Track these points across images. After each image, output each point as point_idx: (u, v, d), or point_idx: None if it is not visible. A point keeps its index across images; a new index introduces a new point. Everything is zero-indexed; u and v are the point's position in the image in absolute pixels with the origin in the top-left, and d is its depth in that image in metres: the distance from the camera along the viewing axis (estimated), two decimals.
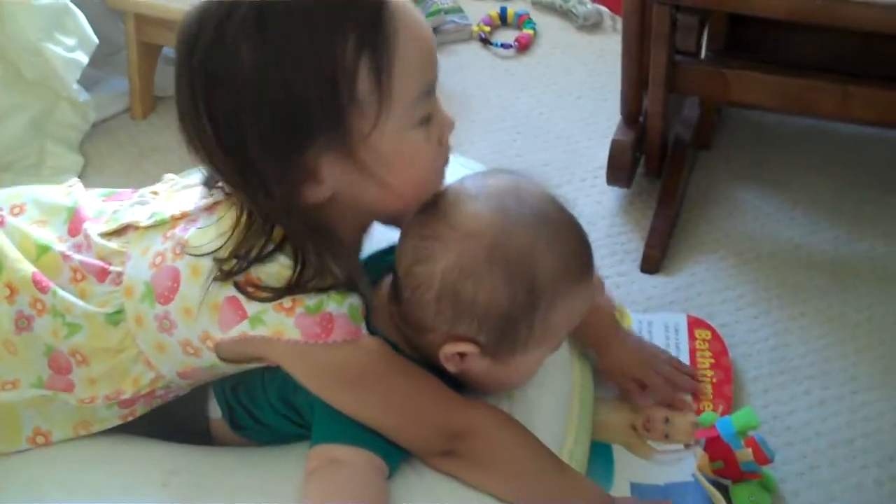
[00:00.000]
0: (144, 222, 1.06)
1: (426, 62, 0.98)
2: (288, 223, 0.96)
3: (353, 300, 1.00)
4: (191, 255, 0.99)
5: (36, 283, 1.05)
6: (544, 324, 1.04)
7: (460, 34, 2.32)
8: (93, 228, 1.08)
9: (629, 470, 1.26)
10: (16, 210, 1.12)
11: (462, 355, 1.04)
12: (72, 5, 1.82)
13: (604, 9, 2.35)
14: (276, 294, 0.96)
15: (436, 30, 2.30)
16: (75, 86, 1.87)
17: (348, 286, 0.99)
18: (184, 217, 1.04)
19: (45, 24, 1.77)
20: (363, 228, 1.10)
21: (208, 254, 0.98)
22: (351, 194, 0.99)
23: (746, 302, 1.57)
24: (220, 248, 0.98)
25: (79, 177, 1.89)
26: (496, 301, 1.01)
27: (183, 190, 1.10)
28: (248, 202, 0.98)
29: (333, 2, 0.91)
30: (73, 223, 1.10)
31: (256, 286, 0.97)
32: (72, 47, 1.81)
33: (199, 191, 1.06)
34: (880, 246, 1.67)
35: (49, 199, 1.14)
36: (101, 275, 1.05)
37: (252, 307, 0.97)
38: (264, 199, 0.95)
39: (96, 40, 1.87)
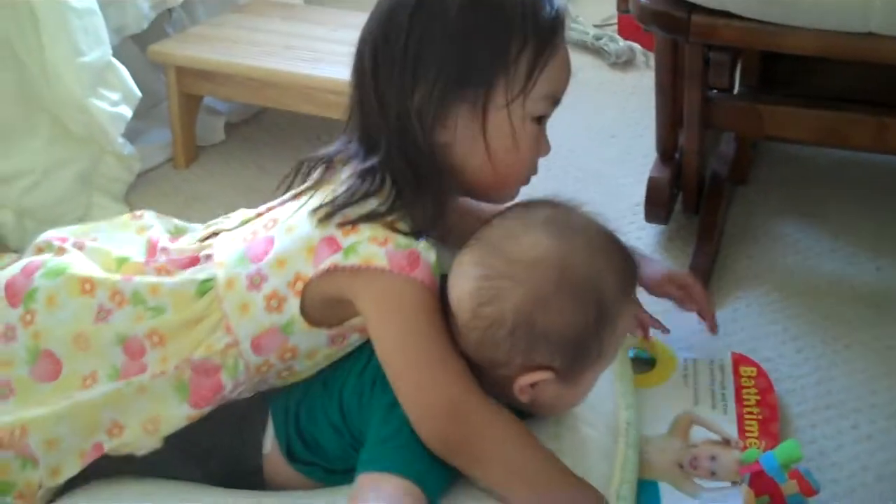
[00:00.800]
0: (230, 225, 1.18)
1: (563, 80, 1.18)
2: (413, 144, 1.10)
3: (435, 254, 1.09)
4: (282, 227, 1.12)
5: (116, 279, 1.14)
6: (611, 338, 1.09)
7: None
8: (174, 245, 1.19)
9: None
10: (92, 240, 1.21)
11: (534, 384, 1.07)
12: (115, 61, 1.86)
13: (636, 45, 2.37)
14: (369, 217, 1.07)
15: None
16: (120, 139, 1.90)
17: (434, 228, 1.11)
18: (269, 209, 1.18)
19: (90, 81, 1.81)
20: (454, 193, 1.20)
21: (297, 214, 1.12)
22: (461, 153, 1.14)
23: (790, 336, 1.57)
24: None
25: None
26: (571, 325, 1.05)
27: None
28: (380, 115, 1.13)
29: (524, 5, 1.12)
30: (149, 250, 1.19)
31: (354, 226, 1.08)
32: (116, 102, 1.85)
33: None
34: None
35: (121, 234, 1.23)
36: (192, 263, 1.14)
37: (347, 240, 1.07)
38: (407, 118, 1.10)
39: (139, 94, 1.91)
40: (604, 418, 1.22)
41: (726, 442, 1.30)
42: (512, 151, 1.14)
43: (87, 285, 1.13)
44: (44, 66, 1.79)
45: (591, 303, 1.06)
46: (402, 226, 1.09)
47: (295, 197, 1.17)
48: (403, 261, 1.06)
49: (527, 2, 1.13)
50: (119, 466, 1.15)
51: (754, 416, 1.36)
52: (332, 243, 1.07)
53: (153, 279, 1.13)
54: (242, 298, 1.10)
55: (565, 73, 1.19)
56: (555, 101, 1.17)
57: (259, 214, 1.19)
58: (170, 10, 2.21)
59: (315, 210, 1.09)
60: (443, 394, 1.06)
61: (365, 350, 1.13)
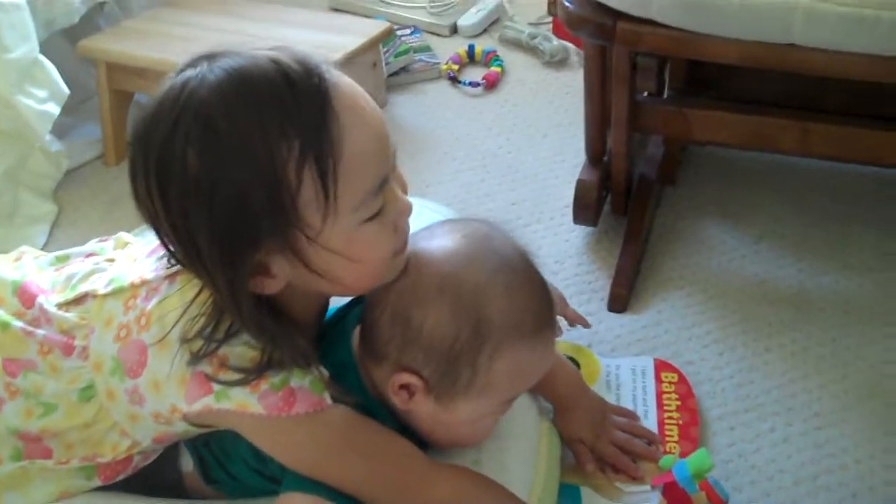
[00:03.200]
0: (103, 290, 1.06)
1: (377, 159, 0.97)
2: (237, 313, 0.97)
3: (316, 371, 1.02)
4: (156, 328, 1.01)
5: (5, 368, 1.07)
6: (488, 370, 1.05)
7: (429, 73, 2.36)
8: (48, 300, 1.08)
9: None
10: None
11: (409, 390, 1.06)
12: (42, 58, 1.85)
13: (570, 45, 2.38)
14: (242, 378, 0.98)
15: (405, 69, 2.34)
16: (48, 136, 1.89)
17: (308, 362, 1.01)
18: (144, 284, 1.04)
19: (17, 78, 1.79)
20: (321, 308, 1.12)
21: (172, 329, 1.00)
22: (304, 284, 1.00)
23: (712, 339, 1.59)
24: (186, 324, 0.99)
25: (52, 225, 1.91)
26: (441, 332, 1.03)
27: (141, 257, 1.10)
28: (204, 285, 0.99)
29: (277, 106, 0.91)
30: (22, 296, 1.10)
31: (223, 365, 0.99)
32: (43, 99, 1.84)
33: (156, 255, 1.06)
34: (844, 279, 1.70)
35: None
36: (67, 349, 1.06)
37: (218, 382, 0.99)
38: (215, 289, 0.97)
39: (67, 91, 1.90)
40: (523, 423, 1.23)
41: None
42: (357, 263, 0.98)
43: None
44: None
45: (469, 319, 1.03)
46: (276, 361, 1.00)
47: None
48: (279, 402, 0.99)
49: (276, 97, 0.91)
50: None
51: (674, 421, 1.38)
52: (202, 382, 0.99)
53: (39, 379, 1.06)
54: (129, 410, 1.04)
55: (373, 151, 0.96)
56: (381, 183, 0.97)
57: (134, 285, 1.05)
58: (102, 4, 2.18)
59: (185, 342, 0.98)
60: (404, 497, 1.06)
61: None
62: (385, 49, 2.26)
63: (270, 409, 0.99)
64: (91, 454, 1.08)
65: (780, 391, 1.50)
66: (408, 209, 1.02)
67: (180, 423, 1.03)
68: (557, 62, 2.37)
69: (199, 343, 0.98)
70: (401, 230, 1.02)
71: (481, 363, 1.04)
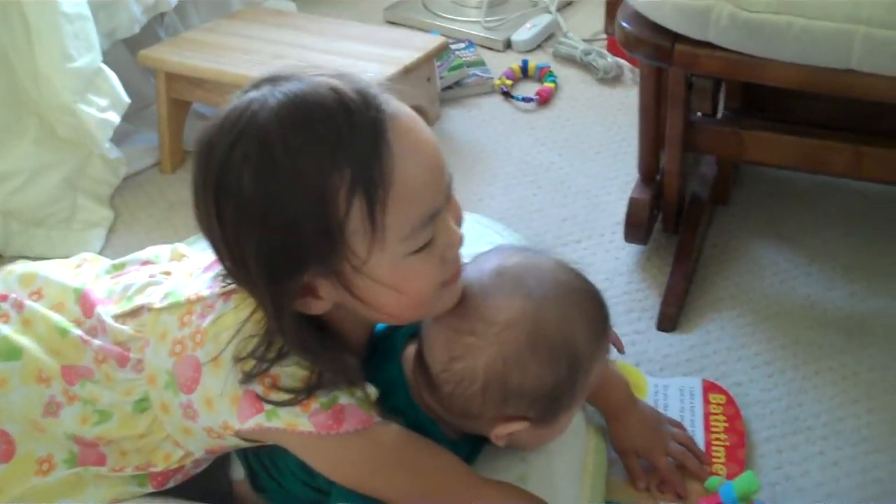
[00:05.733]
0: (159, 304, 1.08)
1: (428, 191, 0.96)
2: (280, 331, 0.98)
3: (364, 389, 1.03)
4: (210, 346, 1.02)
5: (64, 375, 1.09)
6: (584, 385, 1.11)
7: (482, 87, 2.37)
8: (105, 311, 1.10)
9: None
10: (34, 296, 1.14)
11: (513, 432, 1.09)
12: (105, 67, 1.88)
13: (624, 62, 2.39)
14: (293, 399, 1.00)
15: (458, 83, 2.36)
16: (107, 144, 1.92)
17: (355, 381, 1.03)
18: (199, 301, 1.06)
19: (79, 86, 1.82)
20: (371, 328, 1.13)
21: (226, 347, 1.01)
22: (352, 307, 1.01)
23: (762, 360, 1.59)
24: (239, 343, 1.01)
25: (109, 230, 1.95)
26: (544, 381, 1.06)
27: (197, 272, 1.11)
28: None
29: (333, 135, 0.92)
30: (83, 304, 1.12)
31: (274, 385, 1.00)
32: (104, 108, 1.87)
33: (212, 272, 1.08)
34: (894, 303, 1.69)
35: (58, 280, 1.15)
36: (122, 360, 1.08)
37: (268, 402, 1.00)
38: (262, 306, 0.99)
39: (128, 100, 1.93)
40: (571, 441, 1.24)
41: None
42: (402, 294, 0.98)
43: (44, 374, 1.09)
44: (34, 70, 1.81)
45: (564, 359, 1.06)
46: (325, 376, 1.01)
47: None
48: (329, 420, 1.00)
49: (333, 126, 0.92)
50: None
51: (721, 443, 1.38)
52: (253, 401, 1.00)
53: (96, 389, 1.08)
54: (182, 424, 1.06)
55: (424, 183, 0.96)
56: (431, 218, 0.97)
57: (189, 301, 1.06)
58: (162, 15, 2.22)
59: (238, 361, 1.00)
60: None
61: None
62: (439, 63, 2.28)
63: (320, 426, 1.00)
64: (144, 463, 1.10)
65: (829, 415, 1.49)
66: (458, 241, 1.02)
67: (232, 438, 1.05)
68: (611, 79, 2.38)
69: (251, 362, 1.00)
70: (449, 262, 1.01)
71: (579, 384, 1.09)
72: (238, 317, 1.02)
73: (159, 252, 1.22)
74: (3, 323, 1.11)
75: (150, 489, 1.13)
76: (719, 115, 1.80)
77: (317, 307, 0.99)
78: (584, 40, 2.50)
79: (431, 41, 2.19)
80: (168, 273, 1.14)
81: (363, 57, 2.06)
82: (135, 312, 1.09)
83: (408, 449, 1.06)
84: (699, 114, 1.73)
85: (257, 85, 0.96)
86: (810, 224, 1.87)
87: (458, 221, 1.03)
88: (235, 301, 1.03)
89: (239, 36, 2.16)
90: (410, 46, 2.14)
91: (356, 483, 1.06)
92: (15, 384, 1.08)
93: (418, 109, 2.37)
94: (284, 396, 1.00)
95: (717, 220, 1.88)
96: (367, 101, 0.94)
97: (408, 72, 2.05)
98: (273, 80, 0.96)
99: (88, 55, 1.83)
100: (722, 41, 1.48)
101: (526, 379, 1.05)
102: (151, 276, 1.14)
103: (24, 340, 1.10)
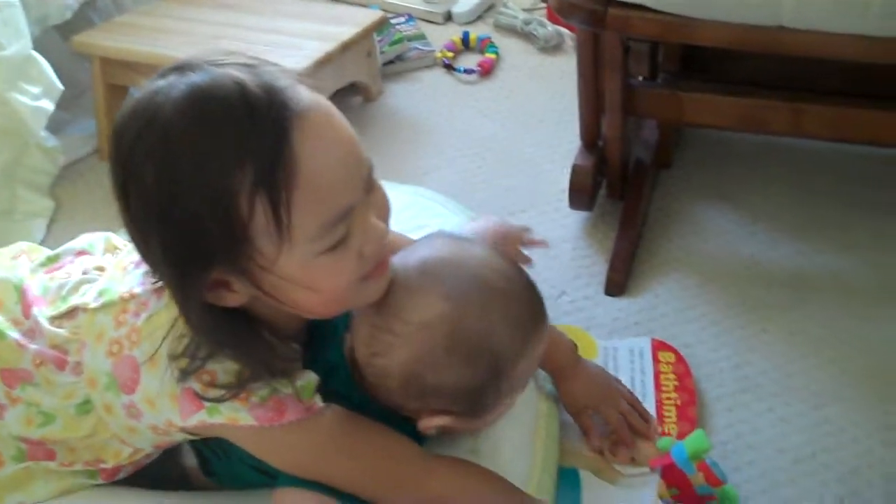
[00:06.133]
0: (93, 304, 1.05)
1: (340, 187, 0.92)
2: (191, 325, 0.96)
3: (304, 378, 1.02)
4: (146, 345, 1.00)
5: (3, 378, 1.07)
6: (511, 381, 1.08)
7: (424, 61, 2.36)
8: (41, 312, 1.08)
9: (596, 494, 1.28)
10: None
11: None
12: (35, 54, 1.85)
13: (564, 30, 2.38)
14: (228, 394, 0.98)
15: (399, 58, 2.34)
16: (43, 132, 1.89)
17: (286, 373, 1.01)
18: (133, 298, 1.03)
19: (10, 75, 1.79)
20: (300, 319, 1.07)
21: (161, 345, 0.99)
22: (270, 301, 0.97)
23: (709, 321, 1.60)
24: (173, 341, 0.99)
25: (50, 220, 1.92)
26: (463, 381, 1.05)
27: (130, 266, 1.08)
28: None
29: (232, 132, 0.88)
30: (24, 304, 1.10)
31: (212, 382, 0.98)
32: (37, 95, 1.84)
33: (144, 266, 1.03)
34: (840, 259, 1.71)
35: (1, 275, 1.13)
36: (60, 364, 1.05)
37: (207, 398, 0.98)
38: (174, 299, 0.96)
39: (61, 87, 1.90)
40: (521, 409, 1.24)
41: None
42: (315, 291, 0.95)
43: None
44: None
45: (484, 361, 1.04)
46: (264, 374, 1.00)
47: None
48: (269, 412, 0.99)
49: (234, 124, 0.87)
50: None
51: (672, 402, 1.39)
52: (193, 399, 0.98)
53: (37, 393, 1.06)
54: (127, 423, 1.04)
55: (335, 179, 0.92)
56: (344, 213, 0.93)
57: (123, 299, 1.03)
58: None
59: (173, 359, 0.98)
60: (402, 492, 1.07)
61: None
62: (379, 38, 2.27)
63: (261, 419, 0.99)
64: (94, 459, 1.09)
65: (778, 372, 1.51)
66: (378, 236, 0.98)
67: (178, 433, 1.04)
68: (552, 48, 2.38)
69: (185, 360, 0.98)
70: (368, 257, 0.97)
71: (504, 382, 1.07)
72: (171, 314, 1.00)
73: (93, 241, 1.19)
74: None
75: (101, 481, 1.12)
76: (659, 79, 1.80)
77: (232, 300, 0.96)
78: (524, 10, 2.50)
79: (370, 16, 2.17)
80: (102, 269, 1.12)
81: (302, 34, 2.04)
82: (70, 314, 1.07)
83: (352, 433, 1.05)
84: (639, 78, 1.73)
85: (164, 74, 0.92)
86: (753, 184, 1.88)
87: (383, 213, 1.00)
88: (167, 297, 1.01)
89: (175, 18, 2.13)
90: (350, 22, 2.12)
91: (303, 471, 1.04)
92: None
93: (360, 85, 2.36)
94: (222, 392, 0.98)
95: (661, 184, 1.89)
96: (272, 97, 0.89)
97: (347, 48, 2.04)
98: (180, 69, 0.91)
99: (18, 43, 1.80)
100: (654, 3, 1.48)
101: (442, 379, 1.04)
102: (85, 273, 1.11)
103: None
